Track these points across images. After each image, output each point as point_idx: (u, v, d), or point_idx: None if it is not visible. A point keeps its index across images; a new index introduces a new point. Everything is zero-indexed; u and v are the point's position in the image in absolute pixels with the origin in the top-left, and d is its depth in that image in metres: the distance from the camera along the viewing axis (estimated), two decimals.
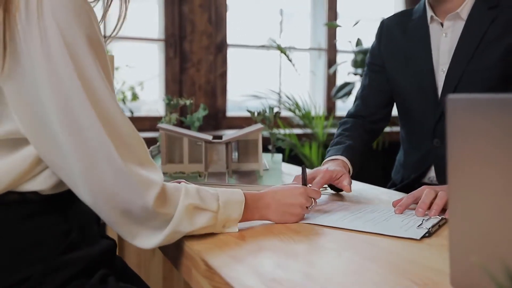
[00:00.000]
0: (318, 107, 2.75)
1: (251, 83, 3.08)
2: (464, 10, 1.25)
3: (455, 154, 0.54)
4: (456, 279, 0.60)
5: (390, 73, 1.40)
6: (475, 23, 1.23)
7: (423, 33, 1.32)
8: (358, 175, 1.30)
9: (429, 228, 0.86)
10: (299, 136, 2.70)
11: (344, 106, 3.26)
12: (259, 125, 1.37)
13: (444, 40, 1.29)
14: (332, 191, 1.21)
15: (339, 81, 3.15)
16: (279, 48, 2.47)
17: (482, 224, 0.55)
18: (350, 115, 1.46)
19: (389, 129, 3.08)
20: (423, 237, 0.83)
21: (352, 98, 2.99)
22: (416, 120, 1.37)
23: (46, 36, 0.68)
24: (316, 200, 0.96)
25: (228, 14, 2.82)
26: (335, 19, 3.14)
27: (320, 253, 0.76)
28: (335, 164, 1.18)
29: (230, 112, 2.95)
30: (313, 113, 2.68)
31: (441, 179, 1.30)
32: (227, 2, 2.81)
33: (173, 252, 0.86)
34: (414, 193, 1.01)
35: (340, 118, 3.00)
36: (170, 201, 0.75)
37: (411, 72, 1.34)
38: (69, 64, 0.69)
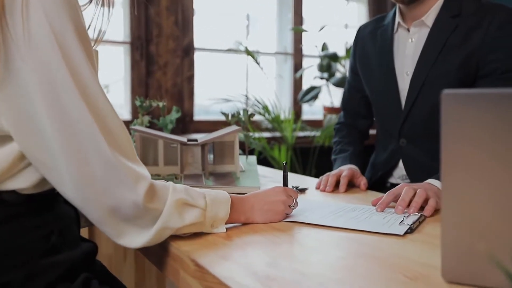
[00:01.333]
0: (287, 111, 2.78)
1: (218, 87, 3.07)
2: (429, 17, 1.30)
3: (448, 148, 0.56)
4: (448, 271, 0.61)
5: (363, 77, 1.49)
6: (439, 30, 1.28)
7: (388, 38, 1.39)
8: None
9: (411, 224, 0.88)
10: (267, 139, 2.71)
11: (310, 110, 3.30)
12: (234, 127, 1.37)
13: (410, 45, 1.34)
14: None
15: (305, 85, 3.18)
16: (247, 52, 2.47)
17: (474, 217, 0.57)
18: (341, 122, 1.62)
19: None
20: (406, 233, 0.84)
21: (318, 102, 3.03)
22: (384, 121, 1.44)
23: (33, 24, 0.65)
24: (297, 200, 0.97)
25: (194, 18, 2.80)
26: (301, 24, 3.18)
27: (308, 251, 0.76)
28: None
29: (197, 116, 2.93)
30: (282, 117, 2.70)
31: (412, 175, 1.34)
32: (194, 7, 2.79)
33: (157, 254, 0.84)
34: (393, 191, 1.03)
35: (307, 121, 3.06)
36: (159, 196, 0.74)
37: (376, 76, 1.41)
38: (58, 53, 0.67)
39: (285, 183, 1.03)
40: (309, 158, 2.80)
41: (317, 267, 0.68)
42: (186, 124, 2.81)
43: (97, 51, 0.80)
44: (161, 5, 2.68)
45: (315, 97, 2.95)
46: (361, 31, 1.53)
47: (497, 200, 0.55)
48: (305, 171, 2.71)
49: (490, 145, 0.53)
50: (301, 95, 2.97)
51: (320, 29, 2.95)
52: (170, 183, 0.78)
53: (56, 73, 0.67)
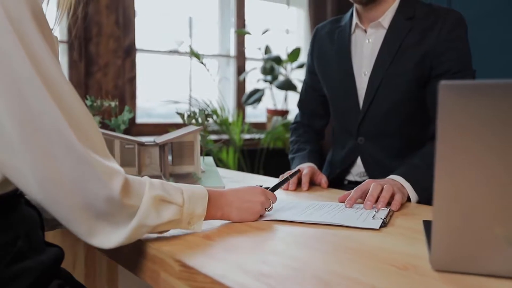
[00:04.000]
0: (233, 114, 2.77)
1: (160, 89, 3.00)
2: (386, 19, 1.35)
3: (443, 138, 0.57)
4: (438, 261, 0.63)
5: (321, 77, 1.50)
6: (395, 32, 1.33)
7: (345, 38, 1.42)
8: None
9: (384, 218, 0.90)
10: (214, 141, 2.69)
11: (253, 113, 3.31)
12: (193, 127, 1.33)
13: (367, 45, 1.38)
14: None
15: (248, 88, 3.19)
16: (192, 53, 2.44)
17: (467, 206, 0.59)
18: (297, 121, 1.63)
19: None
20: (381, 226, 0.86)
21: (262, 105, 3.05)
22: (342, 120, 1.46)
23: None
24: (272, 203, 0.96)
25: (136, 19, 2.72)
26: (243, 27, 3.18)
27: (293, 247, 0.75)
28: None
29: (139, 119, 2.85)
30: (230, 120, 2.68)
31: (370, 172, 1.38)
32: (136, 8, 2.71)
33: (130, 256, 0.80)
34: (361, 187, 1.05)
35: (252, 124, 3.06)
36: (135, 192, 0.69)
37: (334, 76, 1.44)
38: (15, 41, 0.61)
39: (274, 188, 1.03)
40: (256, 160, 2.80)
41: (307, 261, 0.68)
42: (128, 127, 2.71)
43: (56, 37, 0.75)
44: (100, 3, 2.58)
45: (258, 100, 2.96)
46: (318, 32, 1.54)
47: (490, 190, 0.57)
48: (253, 173, 2.71)
49: (484, 135, 0.55)
50: (245, 97, 2.98)
51: (263, 33, 2.98)
52: (146, 177, 0.73)
53: (15, 63, 0.61)
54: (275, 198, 0.96)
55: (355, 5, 1.40)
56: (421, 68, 1.29)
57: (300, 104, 1.64)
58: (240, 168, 2.66)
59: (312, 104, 1.59)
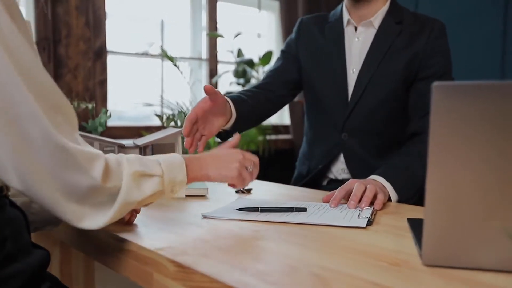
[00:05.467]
0: None
1: (131, 92, 2.97)
2: (377, 20, 1.39)
3: (436, 137, 0.59)
4: (429, 256, 0.65)
5: (305, 67, 1.48)
6: (385, 33, 1.38)
7: (339, 34, 1.43)
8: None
9: (369, 217, 0.92)
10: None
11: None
12: (174, 129, 1.33)
13: (356, 43, 1.41)
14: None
15: (220, 91, 3.18)
16: (166, 56, 2.42)
17: (457, 204, 0.61)
18: (254, 86, 1.46)
19: (275, 137, 3.21)
20: (367, 225, 0.88)
21: None
22: (325, 114, 1.45)
23: None
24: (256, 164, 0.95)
25: (107, 21, 2.68)
26: (215, 29, 3.18)
27: (285, 246, 0.76)
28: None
29: (110, 122, 2.80)
30: None
31: (352, 169, 1.40)
32: (106, 10, 2.67)
33: (119, 259, 0.79)
34: (344, 187, 1.07)
35: None
36: (115, 173, 0.71)
37: (325, 70, 1.44)
38: None
39: None
40: None
41: (301, 259, 0.69)
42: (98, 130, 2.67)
43: (29, 22, 0.73)
44: (70, 4, 2.53)
45: None
46: (304, 22, 1.52)
47: (480, 188, 0.60)
48: None
49: (476, 135, 0.58)
50: None
51: (236, 36, 2.99)
52: (122, 155, 0.75)
53: None
54: (255, 157, 0.96)
55: (346, 3, 1.43)
56: (409, 70, 1.34)
57: (267, 75, 1.49)
58: None
59: (280, 78, 1.47)
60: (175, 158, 0.81)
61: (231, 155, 0.90)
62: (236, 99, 1.26)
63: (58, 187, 0.64)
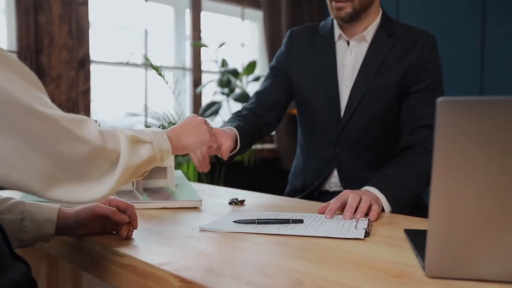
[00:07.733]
0: None
1: (115, 102, 2.94)
2: (369, 34, 1.39)
3: (440, 152, 0.60)
4: (432, 268, 0.66)
5: (296, 81, 1.47)
6: (377, 47, 1.38)
7: (331, 49, 1.43)
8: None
9: (366, 228, 0.93)
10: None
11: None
12: None
13: (349, 57, 1.41)
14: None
15: (204, 100, 3.18)
16: (151, 65, 2.41)
17: (461, 218, 0.62)
18: (245, 108, 1.49)
19: (260, 146, 3.22)
20: (365, 236, 0.89)
21: (219, 118, 3.05)
22: (319, 128, 1.45)
23: None
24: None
25: (91, 30, 2.66)
26: (199, 39, 3.18)
27: (287, 259, 0.76)
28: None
29: None
30: None
31: (345, 183, 1.40)
32: (90, 19, 2.65)
33: (116, 275, 0.78)
34: (339, 197, 1.07)
35: None
36: (111, 136, 0.71)
37: (317, 84, 1.43)
38: None
39: None
40: (216, 173, 2.80)
41: (305, 272, 0.69)
42: None
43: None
44: (52, 13, 2.50)
45: (216, 113, 2.96)
46: (294, 34, 1.51)
47: (484, 201, 0.61)
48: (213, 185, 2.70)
49: (480, 149, 0.59)
50: (202, 110, 2.97)
51: (220, 46, 2.99)
52: (111, 126, 0.76)
53: None
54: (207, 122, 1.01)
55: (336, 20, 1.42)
56: (402, 84, 1.35)
57: (255, 98, 1.51)
58: (200, 181, 2.64)
59: (268, 102, 1.48)
60: (157, 129, 0.84)
61: (194, 120, 0.95)
62: (239, 128, 1.32)
63: (51, 164, 0.62)
